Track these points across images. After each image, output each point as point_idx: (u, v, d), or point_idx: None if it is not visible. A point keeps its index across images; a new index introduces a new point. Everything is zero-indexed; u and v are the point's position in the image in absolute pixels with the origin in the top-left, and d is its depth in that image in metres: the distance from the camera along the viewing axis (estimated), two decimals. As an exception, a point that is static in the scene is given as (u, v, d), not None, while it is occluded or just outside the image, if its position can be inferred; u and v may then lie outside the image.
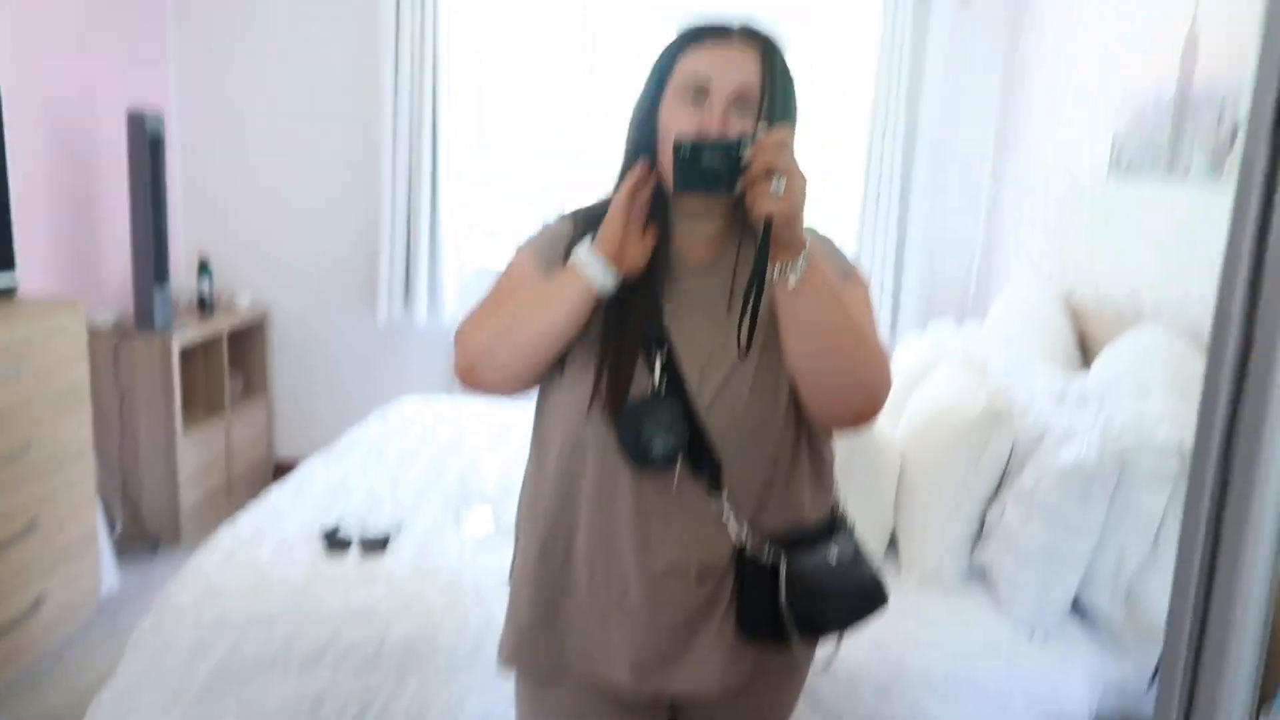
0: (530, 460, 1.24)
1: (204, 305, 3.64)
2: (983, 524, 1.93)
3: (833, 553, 1.16)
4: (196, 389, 3.60)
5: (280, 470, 3.97)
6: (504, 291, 1.19)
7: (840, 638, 1.19)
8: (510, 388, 1.16)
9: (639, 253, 1.13)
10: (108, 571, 2.91)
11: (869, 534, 2.04)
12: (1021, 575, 1.71)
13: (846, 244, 3.66)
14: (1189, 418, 1.68)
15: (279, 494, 2.33)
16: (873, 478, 2.01)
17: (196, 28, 3.81)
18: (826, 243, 1.20)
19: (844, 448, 1.69)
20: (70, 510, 2.61)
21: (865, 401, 1.11)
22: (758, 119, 1.11)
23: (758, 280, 1.04)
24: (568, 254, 1.17)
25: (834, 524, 1.21)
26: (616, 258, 1.11)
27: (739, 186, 1.02)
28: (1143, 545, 1.64)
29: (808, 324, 1.06)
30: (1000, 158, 3.57)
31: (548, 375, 1.19)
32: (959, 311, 3.84)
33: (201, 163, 3.90)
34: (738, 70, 1.11)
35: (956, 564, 1.91)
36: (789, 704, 1.28)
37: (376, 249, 3.78)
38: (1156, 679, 0.55)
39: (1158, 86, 2.24)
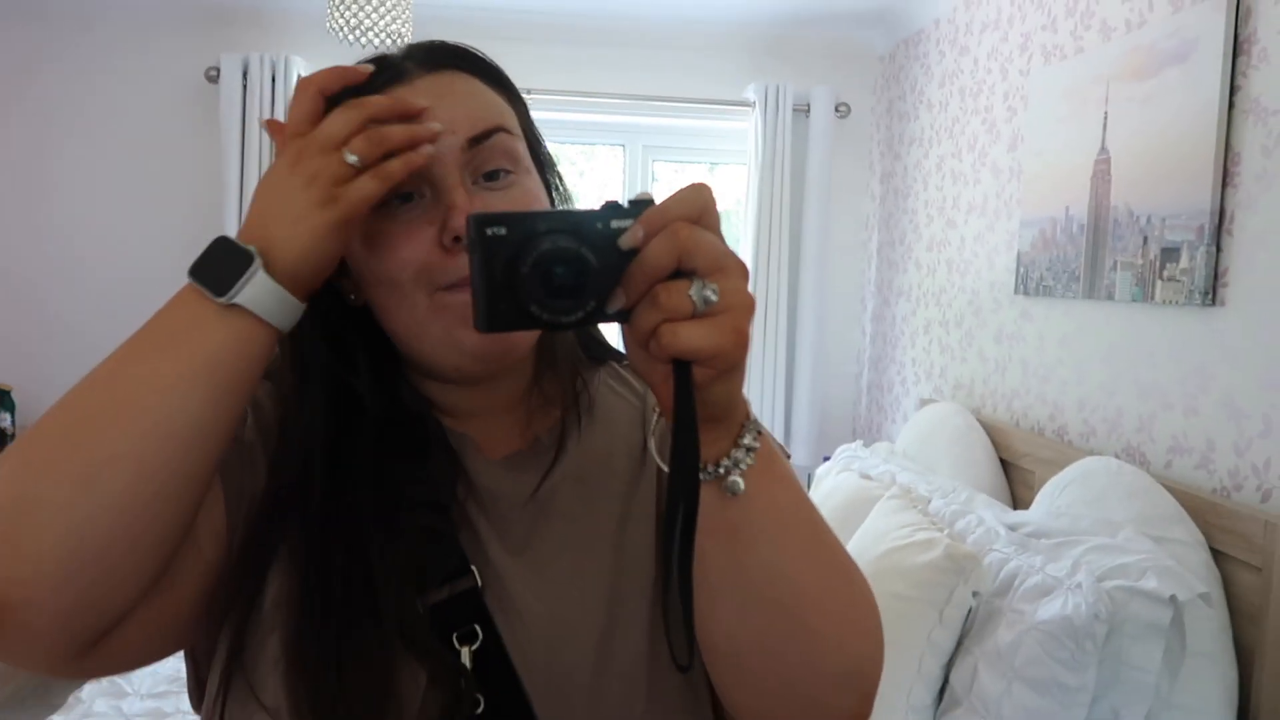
0: None
1: (5, 445, 3.08)
2: (943, 685, 1.72)
3: None
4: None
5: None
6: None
7: None
8: (78, 619, 0.53)
9: (335, 253, 0.58)
10: None
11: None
12: (1011, 751, 1.50)
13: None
14: (1168, 562, 1.55)
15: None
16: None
17: None
18: None
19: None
20: None
21: (853, 689, 0.61)
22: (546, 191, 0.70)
23: (683, 492, 0.51)
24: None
25: None
26: (293, 259, 0.56)
27: (612, 305, 0.51)
28: (1139, 708, 1.47)
29: (762, 560, 0.56)
30: (884, 273, 3.56)
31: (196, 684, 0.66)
32: (850, 430, 3.76)
33: None
34: (468, 106, 0.65)
35: (924, 734, 1.68)
36: None
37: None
38: None
39: (1065, 209, 2.22)
